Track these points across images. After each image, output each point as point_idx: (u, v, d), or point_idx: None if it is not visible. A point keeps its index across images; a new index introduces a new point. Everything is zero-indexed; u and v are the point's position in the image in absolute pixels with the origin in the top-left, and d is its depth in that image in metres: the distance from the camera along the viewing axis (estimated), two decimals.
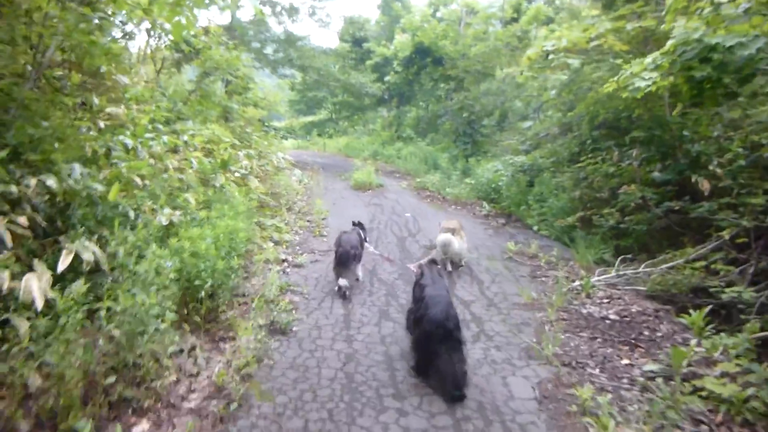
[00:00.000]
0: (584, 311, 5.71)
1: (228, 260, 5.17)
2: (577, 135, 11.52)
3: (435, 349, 3.99)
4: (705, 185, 7.19)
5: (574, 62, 7.00)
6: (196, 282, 4.74)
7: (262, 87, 12.39)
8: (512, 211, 11.98)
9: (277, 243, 8.06)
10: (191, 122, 9.49)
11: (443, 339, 3.96)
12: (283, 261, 7.19)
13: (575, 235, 9.18)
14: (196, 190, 6.87)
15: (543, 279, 7.03)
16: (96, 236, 4.23)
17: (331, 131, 36.99)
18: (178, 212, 5.65)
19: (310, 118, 40.91)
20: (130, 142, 6.42)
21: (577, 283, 6.58)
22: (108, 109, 8.08)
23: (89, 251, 3.86)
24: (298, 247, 8.05)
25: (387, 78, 26.88)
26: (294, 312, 5.43)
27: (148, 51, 13.19)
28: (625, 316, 5.54)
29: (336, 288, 6.18)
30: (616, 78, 6.01)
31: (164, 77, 11.62)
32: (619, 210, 8.37)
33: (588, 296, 6.18)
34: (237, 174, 8.29)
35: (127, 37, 10.87)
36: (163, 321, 3.85)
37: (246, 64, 15.75)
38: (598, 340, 5.06)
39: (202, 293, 4.71)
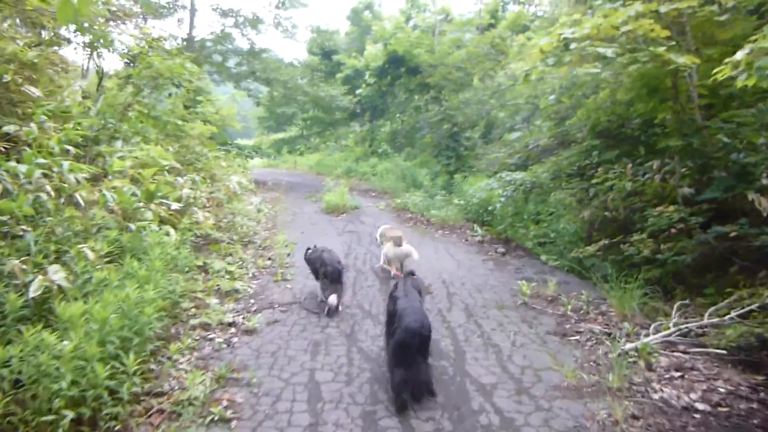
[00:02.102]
0: (656, 396, 3.99)
1: (122, 358, 3.34)
2: (585, 146, 9.97)
3: (411, 359, 3.91)
4: (764, 203, 5.68)
5: (607, 51, 5.38)
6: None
7: (215, 100, 10.51)
8: (510, 236, 10.32)
9: (226, 295, 6.22)
10: (121, 143, 7.65)
11: (420, 348, 3.96)
12: (230, 325, 5.34)
13: (593, 264, 7.57)
14: (107, 234, 5.02)
15: (576, 338, 5.30)
16: None
17: (302, 148, 35.28)
18: (57, 276, 3.81)
19: (280, 135, 39.12)
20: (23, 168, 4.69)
21: (627, 344, 4.88)
22: (5, 128, 6.29)
23: None
24: (252, 301, 6.20)
25: (359, 91, 25.26)
26: (233, 425, 3.58)
27: (91, 63, 11.39)
28: (718, 404, 3.84)
29: (326, 310, 5.85)
30: (732, 59, 4.29)
31: (113, 92, 9.71)
32: (650, 236, 6.77)
33: (649, 367, 4.48)
34: (174, 207, 6.44)
35: (54, 45, 9.07)
36: None
37: (199, 76, 13.97)
38: None
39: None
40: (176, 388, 3.84)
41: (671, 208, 6.51)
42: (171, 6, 20.80)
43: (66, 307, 3.42)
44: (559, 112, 13.66)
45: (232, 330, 5.23)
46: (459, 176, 14.64)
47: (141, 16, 19.18)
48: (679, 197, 6.58)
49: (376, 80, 24.05)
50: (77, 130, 6.58)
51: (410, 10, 26.18)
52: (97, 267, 4.35)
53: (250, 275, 7.24)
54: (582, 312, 6.01)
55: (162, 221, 6.23)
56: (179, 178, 7.37)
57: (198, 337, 4.96)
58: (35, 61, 7.38)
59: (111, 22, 9.24)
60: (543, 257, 8.68)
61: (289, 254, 8.46)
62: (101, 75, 12.33)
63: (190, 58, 9.13)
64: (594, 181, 8.03)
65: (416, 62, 21.07)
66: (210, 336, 5.03)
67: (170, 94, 9.26)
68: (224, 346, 4.84)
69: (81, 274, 4.08)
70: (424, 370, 3.96)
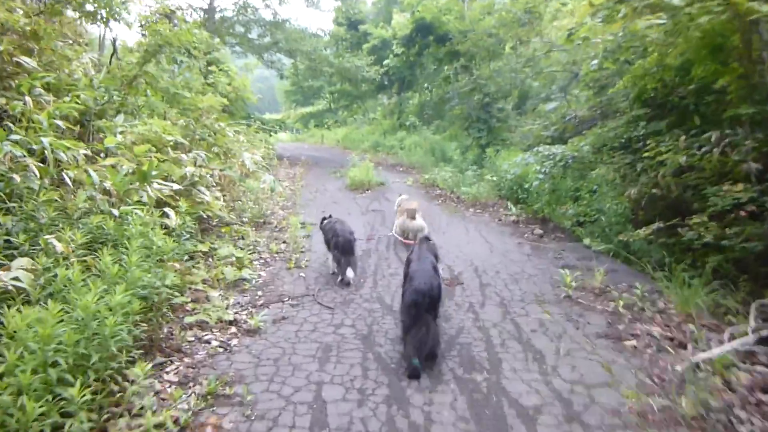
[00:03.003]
0: (743, 430, 3.19)
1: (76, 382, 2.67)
2: (630, 116, 8.97)
3: (420, 318, 4.04)
4: None
5: None
6: None
7: (227, 70, 9.77)
8: (548, 216, 9.44)
9: (231, 286, 5.59)
10: (122, 117, 7.03)
11: (429, 308, 4.10)
12: (230, 324, 4.69)
13: (640, 249, 6.71)
14: (89, 221, 4.39)
15: (633, 342, 4.49)
16: None
17: (329, 122, 34.57)
18: (10, 274, 3.19)
19: (308, 109, 38.48)
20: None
21: (697, 354, 4.05)
22: None
23: None
24: (259, 293, 5.54)
25: (386, 61, 24.25)
26: None
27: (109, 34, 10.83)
28: None
29: (339, 280, 5.94)
30: None
31: (120, 64, 9.06)
32: (711, 218, 5.84)
33: (728, 386, 3.66)
34: (176, 187, 5.80)
35: (56, 14, 8.48)
36: None
37: (215, 47, 13.29)
38: None
39: None
40: (153, 407, 3.20)
41: (739, 186, 5.56)
42: None
43: (11, 316, 2.78)
44: (599, 80, 12.63)
45: (233, 330, 4.57)
46: (491, 150, 13.69)
47: None
48: (752, 175, 5.62)
49: (403, 50, 22.99)
50: (76, 103, 6.01)
51: None
52: (70, 260, 3.72)
53: (262, 261, 6.59)
54: (636, 309, 5.17)
55: (160, 203, 5.60)
56: (184, 156, 6.70)
57: (192, 339, 4.33)
58: (34, 29, 6.80)
59: None
60: (585, 240, 7.81)
61: (306, 236, 7.80)
62: (114, 46, 11.77)
63: (196, 25, 8.38)
64: (645, 155, 7.08)
65: (445, 30, 19.95)
66: (206, 337, 4.38)
67: (179, 64, 8.55)
68: (221, 350, 4.18)
69: (43, 272, 3.44)
70: (433, 331, 4.07)
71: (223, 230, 7.07)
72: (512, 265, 6.78)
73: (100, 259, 3.74)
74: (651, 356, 4.21)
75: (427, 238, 5.44)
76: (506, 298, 5.53)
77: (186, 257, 5.62)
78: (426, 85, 23.53)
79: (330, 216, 6.74)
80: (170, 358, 3.92)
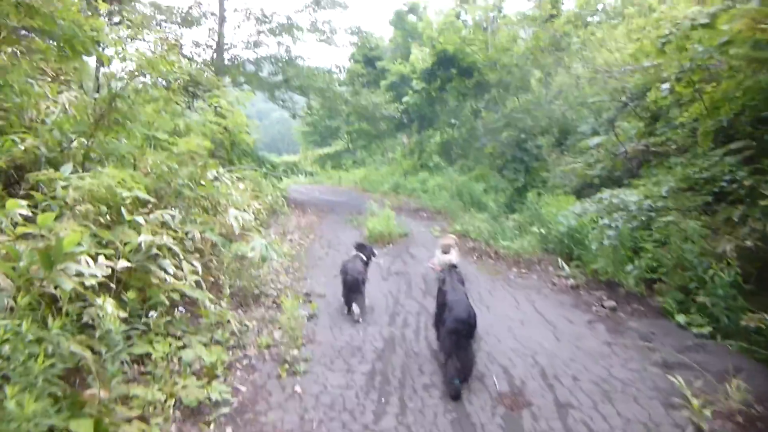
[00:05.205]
0: None
1: None
2: (715, 151, 7.20)
3: (461, 344, 4.44)
4: None
5: None
6: None
7: (215, 105, 8.08)
8: (613, 277, 7.48)
9: (188, 416, 3.76)
10: (70, 166, 5.36)
11: (467, 335, 4.48)
12: None
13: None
14: None
15: None
16: None
17: (347, 163, 33.18)
18: None
19: (325, 150, 37.23)
20: None
21: None
22: None
23: None
24: (229, 430, 3.70)
25: (405, 98, 22.79)
26: None
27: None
28: None
29: (346, 311, 6.10)
30: None
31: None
32: None
33: None
34: (121, 265, 4.07)
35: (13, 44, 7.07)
36: None
37: (219, 83, 11.84)
38: None
39: None
40: None
41: None
42: (200, 15, 19.05)
43: None
44: (648, 108, 11.06)
45: None
46: (532, 194, 11.79)
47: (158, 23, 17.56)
48: None
49: (423, 86, 21.53)
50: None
51: (460, 6, 23.61)
52: None
53: (245, 364, 4.76)
54: None
55: (93, 290, 3.86)
56: (140, 219, 4.97)
57: None
58: None
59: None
60: (679, 318, 5.85)
61: (311, 317, 5.99)
62: (98, 81, 10.42)
63: (174, 52, 6.78)
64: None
65: (469, 62, 18.45)
66: None
67: (151, 95, 6.91)
68: None
69: None
70: (471, 352, 4.54)
71: (201, 312, 5.27)
72: (593, 363, 4.85)
73: None
74: None
75: (454, 266, 5.89)
76: None
77: (122, 371, 3.82)
78: (453, 120, 21.86)
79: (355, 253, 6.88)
80: None
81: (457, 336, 4.44)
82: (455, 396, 4.18)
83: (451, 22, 20.52)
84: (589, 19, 19.05)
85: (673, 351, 5.12)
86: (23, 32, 6.77)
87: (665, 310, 6.22)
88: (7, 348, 2.62)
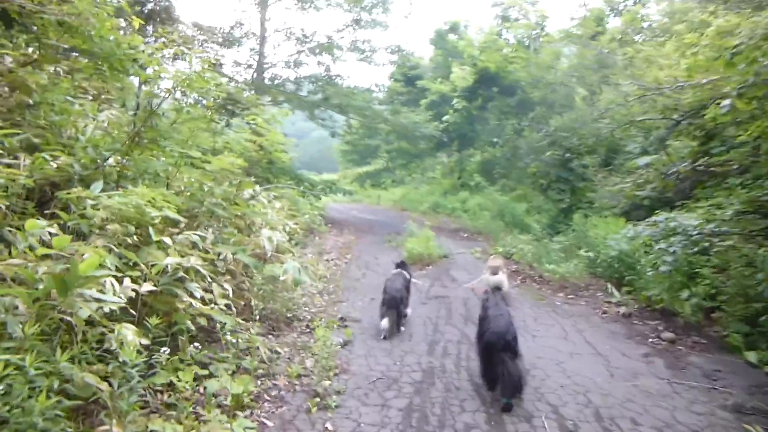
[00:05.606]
0: None
1: None
2: None
3: (496, 358, 4.38)
4: None
5: None
6: None
7: (252, 123, 7.97)
8: (668, 307, 6.96)
9: None
10: (100, 185, 5.25)
11: (503, 349, 4.38)
12: None
13: None
14: None
15: None
16: None
17: (387, 181, 33.04)
18: None
19: (364, 169, 37.26)
20: None
21: None
22: None
23: None
24: None
25: (445, 117, 22.55)
26: None
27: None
28: None
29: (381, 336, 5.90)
30: None
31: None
32: None
33: None
34: (145, 289, 3.91)
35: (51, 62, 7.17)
36: None
37: (258, 101, 11.86)
38: None
39: None
40: None
41: None
42: (241, 35, 19.39)
43: None
44: (704, 128, 10.43)
45: None
46: (578, 215, 11.28)
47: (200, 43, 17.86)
48: None
49: (464, 104, 21.24)
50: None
51: (501, 25, 23.31)
52: None
53: (273, 395, 4.51)
54: None
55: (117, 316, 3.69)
56: (167, 239, 4.81)
57: None
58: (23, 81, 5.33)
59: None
60: (748, 356, 5.33)
61: (345, 344, 5.71)
62: (138, 99, 10.54)
63: (212, 68, 6.73)
64: None
65: (511, 80, 18.10)
66: None
67: (188, 112, 6.83)
68: None
69: None
70: (514, 366, 4.32)
71: (227, 340, 5.06)
72: (653, 405, 4.40)
73: None
74: None
75: (498, 288, 5.76)
76: None
77: (143, 402, 3.62)
78: (494, 139, 21.44)
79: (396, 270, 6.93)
80: None
81: (492, 350, 4.44)
82: (506, 410, 4.24)
83: (492, 40, 20.23)
84: (635, 37, 18.55)
85: (741, 389, 4.63)
86: (66, 51, 6.86)
87: (730, 344, 5.70)
88: (3, 385, 2.42)
